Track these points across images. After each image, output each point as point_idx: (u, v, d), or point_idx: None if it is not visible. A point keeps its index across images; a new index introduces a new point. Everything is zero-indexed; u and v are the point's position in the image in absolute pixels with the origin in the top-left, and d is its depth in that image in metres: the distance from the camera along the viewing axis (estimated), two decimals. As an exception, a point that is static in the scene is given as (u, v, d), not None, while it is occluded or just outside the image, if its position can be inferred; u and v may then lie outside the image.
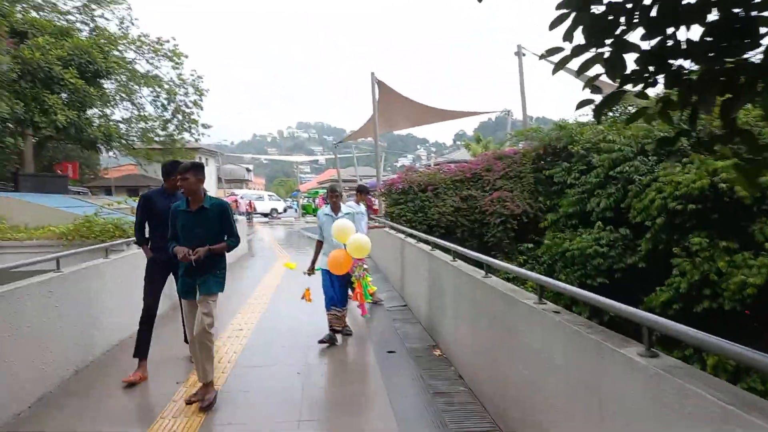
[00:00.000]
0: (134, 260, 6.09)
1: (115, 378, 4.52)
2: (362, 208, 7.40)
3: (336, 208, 5.87)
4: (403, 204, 11.41)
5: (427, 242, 6.65)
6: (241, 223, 14.29)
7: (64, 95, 20.64)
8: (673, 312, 8.43)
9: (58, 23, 24.49)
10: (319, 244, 5.97)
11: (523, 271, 3.61)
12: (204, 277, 3.93)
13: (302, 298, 5.78)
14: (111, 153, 31.92)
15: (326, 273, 5.76)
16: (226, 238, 4.01)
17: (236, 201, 31.47)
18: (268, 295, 8.37)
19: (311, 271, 5.97)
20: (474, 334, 4.29)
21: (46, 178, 20.70)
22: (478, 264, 4.35)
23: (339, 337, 5.75)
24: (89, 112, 32.75)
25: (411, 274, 7.39)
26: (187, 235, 3.91)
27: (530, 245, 10.92)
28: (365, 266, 6.13)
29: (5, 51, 16.87)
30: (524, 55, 15.12)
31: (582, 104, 2.01)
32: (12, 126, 18.45)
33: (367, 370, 4.97)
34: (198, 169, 3.95)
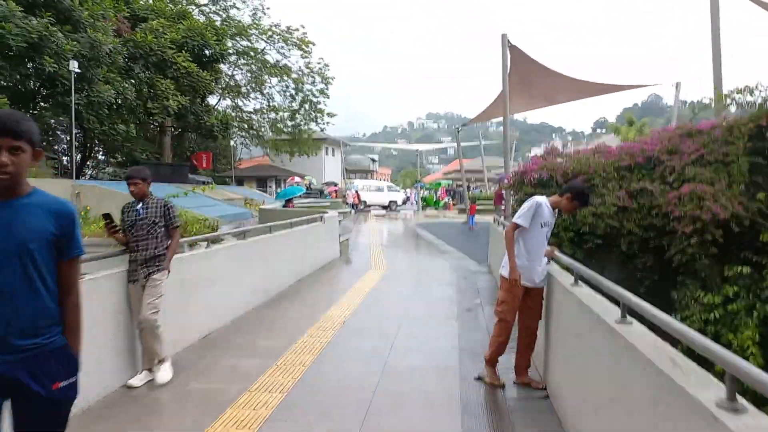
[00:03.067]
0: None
1: None
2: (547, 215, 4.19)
3: None
4: (539, 200, 8.09)
5: (596, 288, 3.16)
6: (329, 221, 11.21)
7: (178, 80, 20.42)
8: None
9: (177, 7, 24.72)
10: None
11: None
12: None
13: None
14: (232, 142, 32.44)
15: None
16: None
17: (335, 190, 30.28)
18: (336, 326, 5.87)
19: None
20: None
21: (167, 166, 20.78)
22: None
23: None
24: (223, 103, 33.77)
25: (561, 344, 3.94)
26: None
27: (746, 268, 6.98)
28: None
29: (112, 33, 16.64)
30: (725, -9, 10.79)
31: None
32: (124, 112, 18.50)
33: None
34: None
